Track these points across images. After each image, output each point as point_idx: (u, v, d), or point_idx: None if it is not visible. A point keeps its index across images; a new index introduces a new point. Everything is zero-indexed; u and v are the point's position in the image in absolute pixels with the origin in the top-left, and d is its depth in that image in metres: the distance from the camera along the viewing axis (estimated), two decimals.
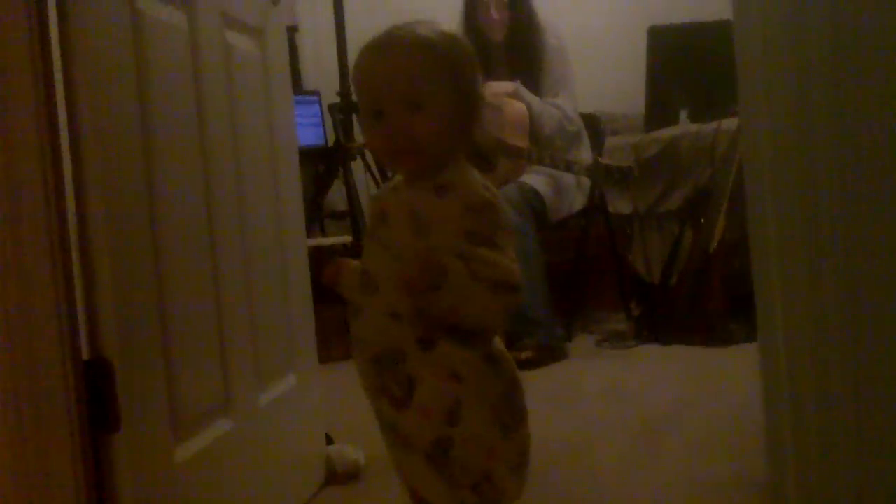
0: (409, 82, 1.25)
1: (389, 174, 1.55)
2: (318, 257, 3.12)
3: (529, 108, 3.66)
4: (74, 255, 1.35)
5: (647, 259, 3.90)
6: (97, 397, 1.36)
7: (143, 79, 1.51)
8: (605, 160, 3.72)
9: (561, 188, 3.73)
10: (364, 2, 4.42)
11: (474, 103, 1.31)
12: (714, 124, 3.70)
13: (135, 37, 1.50)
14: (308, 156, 3.69)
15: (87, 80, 1.36)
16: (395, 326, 1.25)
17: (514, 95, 3.66)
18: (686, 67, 4.04)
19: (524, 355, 3.23)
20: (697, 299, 3.52)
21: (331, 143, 4.32)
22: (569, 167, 3.60)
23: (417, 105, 1.24)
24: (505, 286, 1.20)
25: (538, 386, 2.87)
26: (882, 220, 1.21)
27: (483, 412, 1.24)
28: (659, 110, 4.08)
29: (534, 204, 3.60)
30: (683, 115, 4.03)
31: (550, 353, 3.39)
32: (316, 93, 4.47)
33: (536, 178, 3.68)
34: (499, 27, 3.77)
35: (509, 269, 1.21)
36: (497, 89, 3.65)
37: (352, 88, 1.36)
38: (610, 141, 4.01)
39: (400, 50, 1.27)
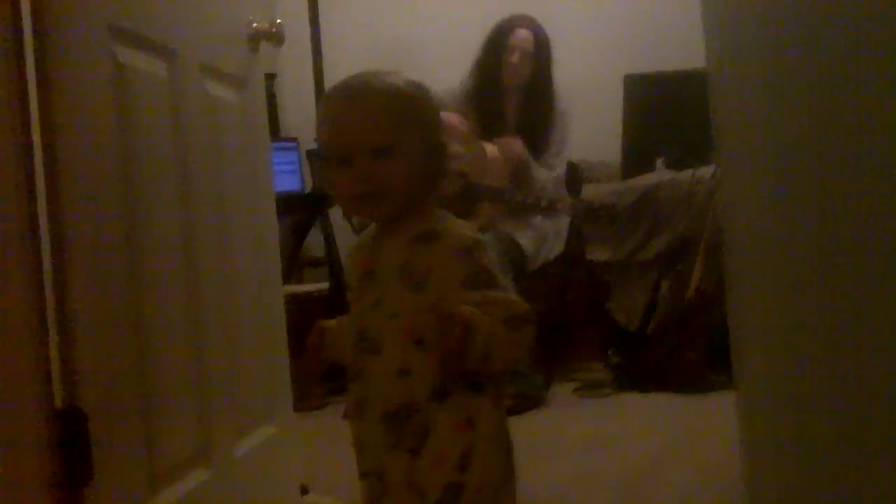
0: (377, 128, 1.25)
1: (354, 225, 1.54)
2: (296, 304, 3.11)
3: (534, 180, 3.66)
4: (50, 303, 1.34)
5: (627, 307, 3.90)
6: (71, 447, 1.34)
7: (125, 128, 1.52)
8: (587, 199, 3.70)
9: (539, 237, 3.73)
10: (342, 48, 4.45)
11: (441, 152, 1.31)
12: (690, 172, 3.72)
13: (116, 88, 1.51)
14: (286, 202, 3.68)
15: (67, 132, 1.36)
16: (405, 383, 1.23)
17: (522, 162, 3.65)
18: (662, 115, 4.07)
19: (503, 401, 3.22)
20: (676, 348, 3.52)
21: (309, 190, 4.32)
22: (551, 206, 3.58)
23: (386, 150, 1.24)
24: (523, 320, 1.20)
25: (517, 435, 2.84)
26: (863, 269, 1.22)
27: (491, 459, 1.25)
28: (635, 158, 4.10)
29: (513, 255, 3.58)
30: (660, 162, 4.05)
31: (528, 402, 3.38)
32: (294, 139, 4.47)
33: (514, 228, 3.68)
34: (518, 74, 3.74)
35: (520, 303, 1.22)
36: (509, 147, 3.64)
37: (316, 136, 1.34)
38: (587, 188, 4.02)
39: (368, 96, 1.27)
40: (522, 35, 3.74)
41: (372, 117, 1.26)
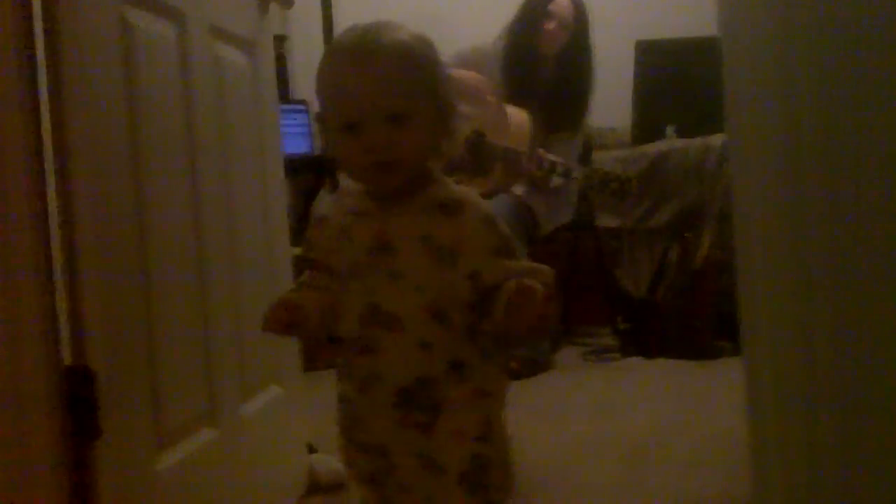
0: (391, 94, 1.16)
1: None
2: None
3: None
4: (59, 263, 1.34)
5: (635, 274, 3.90)
6: (79, 404, 1.35)
7: (133, 90, 1.51)
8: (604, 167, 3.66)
9: (551, 202, 3.70)
10: (354, 10, 4.42)
11: (452, 114, 1.24)
12: (701, 140, 3.71)
13: (124, 49, 1.50)
14: (295, 164, 3.68)
15: (74, 91, 1.36)
16: (426, 357, 1.19)
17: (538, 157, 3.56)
18: (673, 83, 4.05)
19: (511, 365, 3.24)
20: (684, 315, 3.53)
21: (318, 152, 4.32)
22: (566, 173, 3.55)
23: (400, 117, 1.16)
24: (553, 287, 1.17)
25: (524, 399, 2.87)
26: (872, 237, 1.22)
27: (505, 426, 1.24)
28: (646, 125, 4.09)
29: (525, 219, 3.57)
30: (670, 130, 4.04)
31: (536, 367, 3.39)
32: (304, 102, 4.46)
33: (527, 192, 3.65)
34: (556, 41, 3.65)
35: (550, 271, 1.19)
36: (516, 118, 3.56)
37: (319, 97, 1.22)
38: (597, 155, 4.01)
39: (379, 57, 1.17)
40: (562, 3, 3.64)
41: (385, 81, 1.16)
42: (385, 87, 1.16)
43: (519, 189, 3.61)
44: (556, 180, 3.56)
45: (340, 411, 1.29)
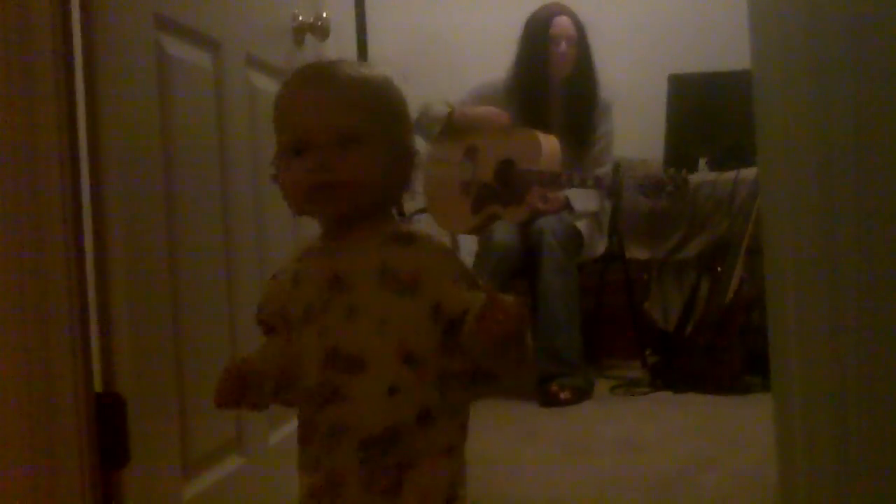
0: (341, 114, 1.11)
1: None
2: None
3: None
4: (91, 291, 1.36)
5: (664, 307, 3.88)
6: (109, 431, 1.36)
7: (168, 118, 1.53)
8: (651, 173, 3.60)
9: (590, 227, 3.69)
10: (387, 43, 4.46)
11: (410, 157, 1.17)
12: (733, 174, 3.69)
13: (161, 78, 1.52)
14: None
15: (111, 119, 1.38)
16: (393, 403, 1.09)
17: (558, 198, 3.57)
18: (706, 116, 4.04)
19: (563, 395, 3.27)
20: (714, 349, 3.50)
21: None
22: (598, 183, 3.51)
23: (353, 138, 1.10)
24: (525, 310, 1.05)
25: (550, 432, 2.85)
26: None
27: (465, 484, 1.15)
28: (678, 158, 4.07)
29: (575, 240, 3.56)
30: (702, 163, 4.03)
31: (582, 395, 3.40)
32: None
33: (572, 216, 3.63)
34: (568, 63, 3.66)
35: (515, 300, 1.06)
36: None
37: (273, 121, 1.20)
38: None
39: (337, 79, 1.14)
40: (563, 23, 3.66)
41: (337, 101, 1.12)
42: (336, 107, 1.12)
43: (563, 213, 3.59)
44: (594, 203, 3.57)
45: (301, 486, 1.19)
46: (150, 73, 1.50)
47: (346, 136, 1.10)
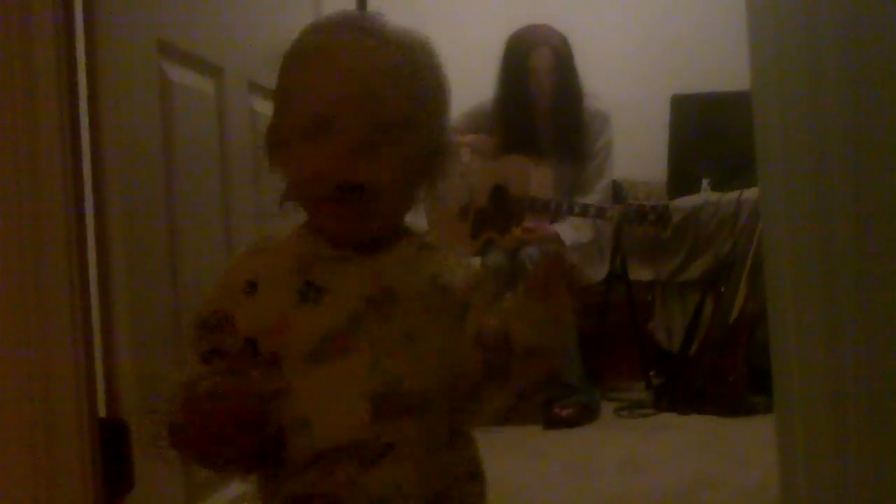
0: (392, 88, 0.85)
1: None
2: None
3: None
4: (95, 316, 1.36)
5: (668, 327, 3.88)
6: (112, 457, 1.36)
7: (171, 143, 1.54)
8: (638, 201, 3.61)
9: (588, 260, 3.68)
10: None
11: (447, 152, 0.92)
12: (736, 194, 3.70)
13: (163, 104, 1.53)
14: None
15: (114, 144, 1.39)
16: (446, 458, 0.86)
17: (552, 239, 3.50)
18: (708, 136, 4.05)
19: (565, 413, 3.26)
20: (718, 370, 3.49)
21: None
22: (599, 213, 3.48)
23: (391, 129, 0.85)
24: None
25: (555, 453, 2.84)
26: None
27: None
28: (681, 178, 4.08)
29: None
30: (705, 183, 4.03)
31: (591, 415, 3.39)
32: None
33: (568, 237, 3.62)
34: (548, 93, 3.61)
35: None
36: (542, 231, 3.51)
37: (279, 86, 0.93)
38: None
39: (380, 40, 0.86)
40: (541, 55, 3.58)
41: (390, 69, 0.85)
42: (381, 78, 0.85)
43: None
44: (587, 234, 3.56)
45: None
46: (153, 99, 1.51)
47: (389, 121, 0.85)
